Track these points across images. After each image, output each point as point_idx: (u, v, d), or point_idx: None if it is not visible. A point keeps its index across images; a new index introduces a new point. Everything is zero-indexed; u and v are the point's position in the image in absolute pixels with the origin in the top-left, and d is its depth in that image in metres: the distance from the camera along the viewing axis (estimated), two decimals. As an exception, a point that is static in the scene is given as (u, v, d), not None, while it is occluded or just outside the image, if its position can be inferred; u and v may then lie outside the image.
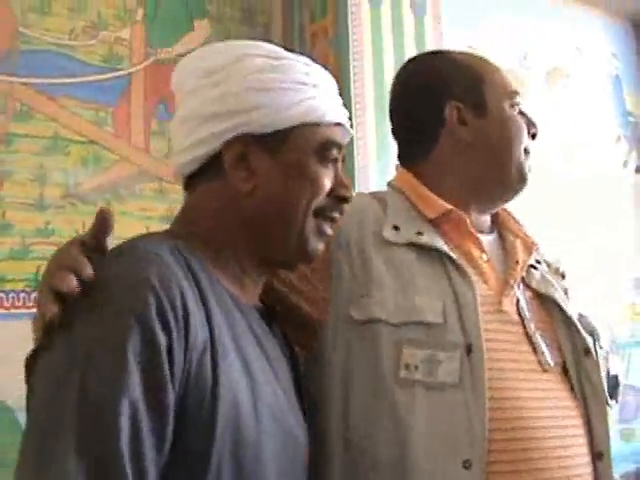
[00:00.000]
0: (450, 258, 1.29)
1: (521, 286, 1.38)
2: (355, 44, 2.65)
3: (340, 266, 1.28)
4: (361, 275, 1.27)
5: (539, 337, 1.32)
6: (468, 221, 1.36)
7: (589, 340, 1.38)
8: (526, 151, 1.41)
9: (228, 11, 2.93)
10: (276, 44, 1.18)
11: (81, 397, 0.87)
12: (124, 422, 0.85)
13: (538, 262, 1.44)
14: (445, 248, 1.30)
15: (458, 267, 1.29)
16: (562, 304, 1.39)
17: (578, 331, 1.37)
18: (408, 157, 1.46)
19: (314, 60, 1.15)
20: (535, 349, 1.30)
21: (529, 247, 1.42)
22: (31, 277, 2.40)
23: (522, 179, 1.40)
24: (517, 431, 1.21)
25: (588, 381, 1.34)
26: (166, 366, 0.89)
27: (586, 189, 3.62)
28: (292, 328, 1.29)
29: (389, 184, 1.47)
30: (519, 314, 1.33)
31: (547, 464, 1.21)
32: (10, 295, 2.38)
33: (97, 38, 2.65)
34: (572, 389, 1.33)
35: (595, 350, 1.37)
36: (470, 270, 1.31)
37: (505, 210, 1.49)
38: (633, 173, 4.02)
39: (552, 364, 1.31)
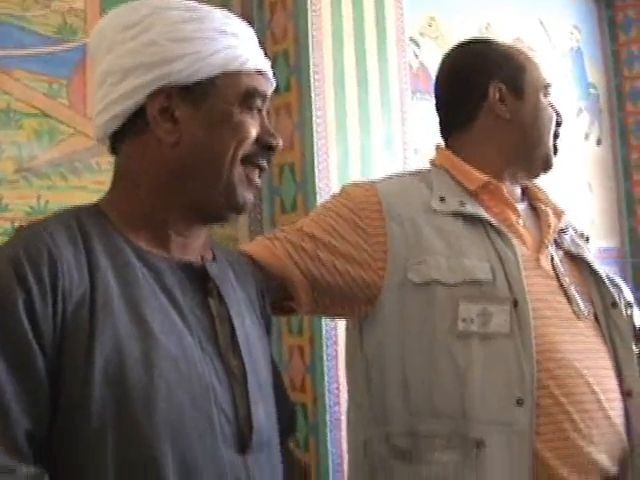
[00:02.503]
0: (491, 224, 1.48)
1: (553, 247, 1.57)
2: (314, 14, 2.60)
3: (394, 235, 1.46)
4: (414, 243, 1.45)
5: (573, 289, 1.52)
6: (504, 190, 1.56)
7: (615, 293, 1.58)
8: (556, 135, 1.63)
9: (185, -19, 2.87)
10: (235, 13, 1.19)
11: None
12: None
13: (566, 227, 1.65)
14: (486, 215, 1.50)
15: (499, 232, 1.48)
16: (591, 262, 1.60)
17: (606, 286, 1.57)
18: (449, 130, 1.66)
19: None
20: (570, 300, 1.50)
21: (559, 214, 1.62)
22: (-15, 253, 2.34)
23: (548, 161, 1.62)
24: (559, 370, 1.40)
25: (616, 329, 1.53)
26: (25, 322, 0.94)
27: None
28: (331, 301, 1.50)
29: (431, 162, 1.65)
30: (554, 270, 1.53)
31: (585, 398, 1.40)
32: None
33: (50, 8, 2.57)
34: (603, 336, 1.51)
35: (620, 302, 1.58)
36: (509, 234, 1.50)
37: (533, 183, 1.69)
38: (594, 145, 4.04)
39: (586, 313, 1.50)
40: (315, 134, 2.55)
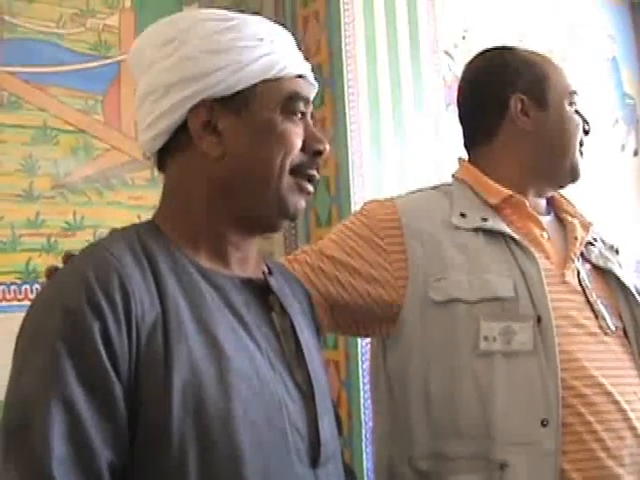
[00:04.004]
0: (513, 239, 1.44)
1: (580, 260, 1.52)
2: (347, 27, 2.60)
3: (414, 253, 1.43)
4: (435, 260, 1.42)
5: (600, 304, 1.46)
6: (527, 204, 1.51)
7: None
8: (581, 144, 1.57)
9: (218, -4, 2.89)
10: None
11: (13, 399, 0.92)
12: (57, 425, 0.88)
13: (595, 240, 1.60)
14: (508, 230, 1.45)
15: (521, 246, 1.44)
16: (620, 276, 1.55)
17: (635, 300, 1.52)
18: (472, 143, 1.62)
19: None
20: (597, 315, 1.44)
21: (586, 226, 1.57)
22: (21, 269, 2.37)
23: (575, 171, 1.56)
24: (585, 389, 1.36)
25: None
26: (102, 351, 0.91)
27: (584, 174, 3.57)
28: (353, 321, 1.49)
29: (453, 177, 1.61)
30: (580, 285, 1.47)
31: (613, 417, 1.35)
32: (0, 287, 2.35)
33: (85, 26, 2.61)
34: (632, 353, 1.46)
35: None
36: (533, 248, 1.45)
37: (559, 194, 1.64)
38: (631, 156, 3.98)
39: (613, 328, 1.45)
40: (350, 147, 2.53)
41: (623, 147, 3.95)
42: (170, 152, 1.11)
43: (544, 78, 1.55)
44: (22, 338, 0.97)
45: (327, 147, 1.14)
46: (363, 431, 2.47)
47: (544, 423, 1.32)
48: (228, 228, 1.11)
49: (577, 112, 1.58)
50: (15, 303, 2.32)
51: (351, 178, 2.51)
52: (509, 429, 1.33)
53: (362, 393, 2.46)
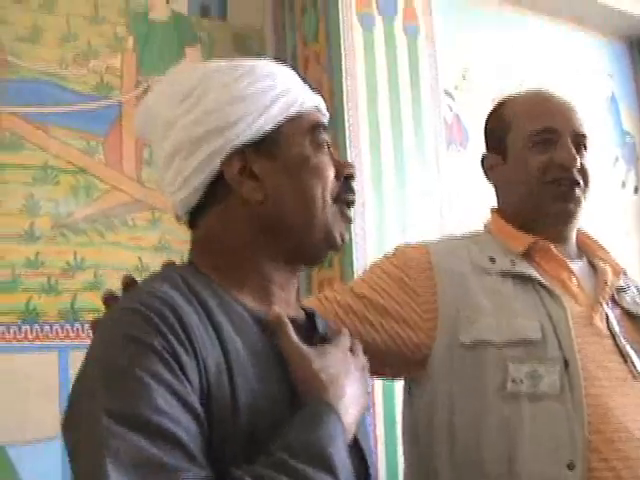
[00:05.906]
0: (541, 283, 1.45)
1: (610, 304, 1.50)
2: (348, 67, 2.62)
3: (444, 293, 1.44)
4: (464, 302, 1.42)
5: (629, 349, 1.43)
6: (553, 248, 1.51)
7: None
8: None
9: (219, 37, 2.91)
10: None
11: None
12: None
13: (627, 286, 1.58)
14: (536, 275, 1.46)
15: (548, 290, 1.44)
16: None
17: None
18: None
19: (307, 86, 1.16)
20: (625, 359, 1.42)
21: (617, 271, 1.56)
22: (22, 309, 2.35)
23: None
24: (613, 434, 1.33)
25: None
26: (184, 379, 0.89)
27: (585, 211, 3.57)
28: (381, 363, 1.40)
29: (485, 226, 1.63)
30: (609, 329, 1.45)
31: None
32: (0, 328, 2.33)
33: (88, 67, 2.63)
34: None
35: None
36: (560, 291, 1.45)
37: (592, 239, 1.64)
38: (632, 193, 3.99)
39: None
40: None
41: (624, 184, 3.96)
42: (206, 206, 1.11)
43: (505, 129, 1.59)
44: (88, 380, 0.92)
45: (355, 171, 1.16)
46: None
47: (570, 467, 1.30)
48: (275, 268, 1.10)
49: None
50: (15, 343, 2.29)
51: (353, 219, 2.50)
52: (534, 470, 1.32)
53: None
